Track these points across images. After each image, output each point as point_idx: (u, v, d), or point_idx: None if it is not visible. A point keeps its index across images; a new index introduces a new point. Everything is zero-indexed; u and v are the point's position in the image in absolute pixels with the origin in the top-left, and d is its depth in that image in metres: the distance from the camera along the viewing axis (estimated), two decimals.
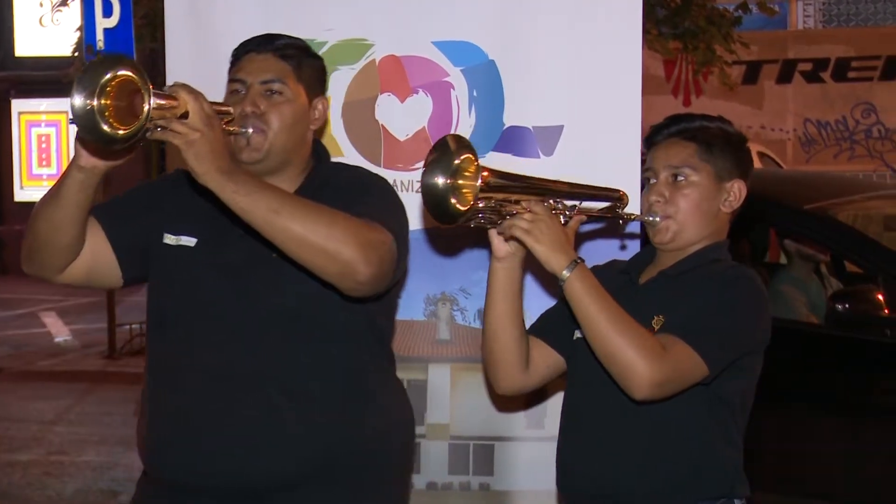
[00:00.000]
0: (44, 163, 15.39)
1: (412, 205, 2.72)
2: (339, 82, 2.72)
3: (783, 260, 4.76)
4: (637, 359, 1.86)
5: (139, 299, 5.06)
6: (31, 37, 14.66)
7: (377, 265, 1.99)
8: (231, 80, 2.13)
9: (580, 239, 2.40)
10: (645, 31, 2.97)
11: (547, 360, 2.15)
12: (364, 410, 2.13)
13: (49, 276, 2.11)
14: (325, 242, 1.92)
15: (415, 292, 2.73)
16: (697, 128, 2.07)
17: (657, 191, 2.05)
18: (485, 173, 1.86)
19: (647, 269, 2.13)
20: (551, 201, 1.97)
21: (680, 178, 2.04)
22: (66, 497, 5.40)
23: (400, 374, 2.78)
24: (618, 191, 2.13)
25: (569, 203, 2.00)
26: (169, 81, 2.80)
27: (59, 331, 10.14)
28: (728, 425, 2.03)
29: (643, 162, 2.15)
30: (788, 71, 12.68)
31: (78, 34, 8.65)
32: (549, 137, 2.70)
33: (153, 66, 9.95)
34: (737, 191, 2.07)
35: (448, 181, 1.91)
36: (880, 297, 3.87)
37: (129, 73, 1.76)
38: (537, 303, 2.43)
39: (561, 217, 1.97)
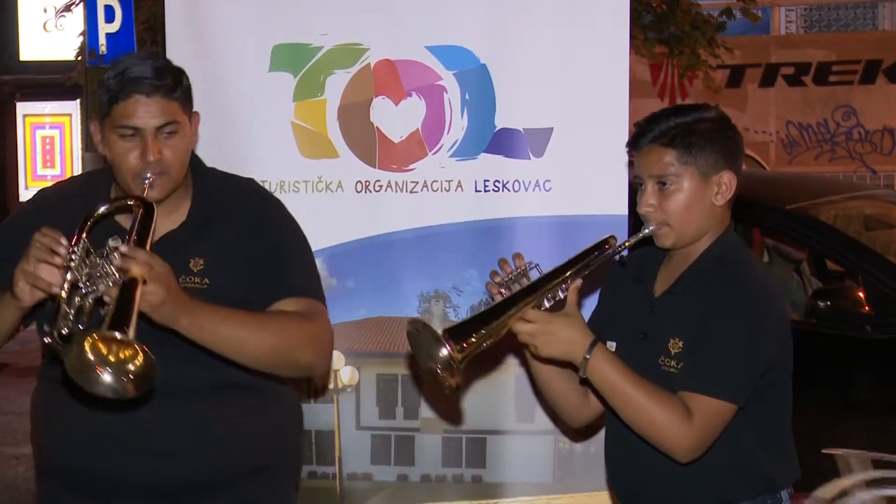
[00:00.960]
0: (48, 164, 15.39)
1: (405, 205, 2.80)
2: (334, 86, 2.79)
3: (765, 258, 4.84)
4: (670, 431, 1.92)
5: None
6: (36, 41, 14.67)
7: (328, 356, 2.17)
8: (120, 126, 2.04)
9: None
10: (632, 37, 3.04)
11: None
12: (273, 405, 2.20)
13: None
14: (287, 358, 2.07)
15: (409, 290, 2.79)
16: (674, 129, 2.03)
17: (646, 201, 2.04)
18: (453, 352, 1.85)
19: (663, 270, 2.11)
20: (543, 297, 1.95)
21: (666, 185, 2.03)
22: None
23: (394, 370, 2.86)
24: (604, 242, 2.06)
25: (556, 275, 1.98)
26: None
27: None
28: (765, 424, 2.04)
29: (631, 164, 2.14)
30: (771, 75, 12.80)
31: (81, 39, 8.69)
32: (539, 139, 2.77)
33: None
34: (727, 181, 2.04)
35: (433, 367, 1.90)
36: (861, 294, 3.95)
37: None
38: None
39: (559, 293, 1.96)
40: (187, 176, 2.16)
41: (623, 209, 2.71)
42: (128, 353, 1.79)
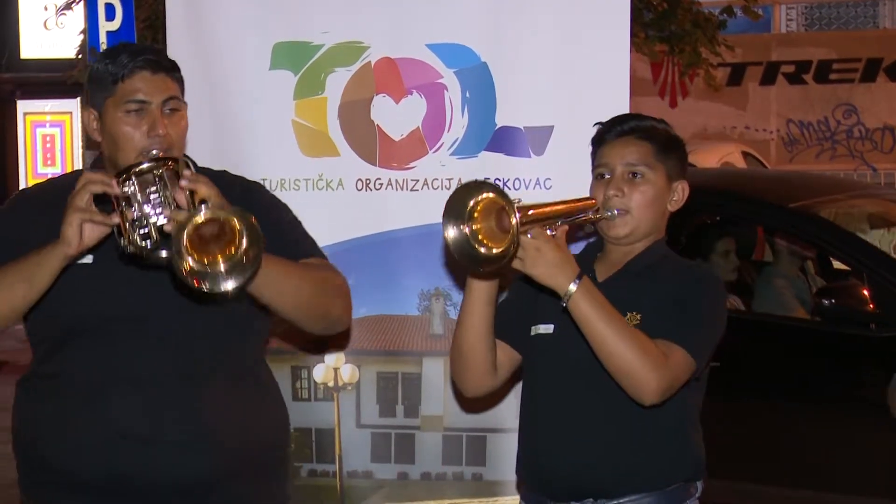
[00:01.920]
0: (48, 162, 15.44)
1: (406, 203, 2.80)
2: (335, 84, 2.79)
3: (768, 257, 4.84)
4: (645, 370, 1.93)
5: None
6: (36, 39, 14.71)
7: (350, 307, 2.15)
8: (129, 101, 2.06)
9: None
10: (632, 35, 3.04)
11: (511, 360, 2.18)
12: (267, 403, 2.21)
13: None
14: (323, 309, 2.08)
15: (409, 288, 2.80)
16: (650, 128, 2.12)
17: (615, 185, 2.08)
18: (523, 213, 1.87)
19: (599, 264, 2.16)
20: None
21: (637, 175, 2.08)
22: None
23: (394, 368, 2.85)
24: (591, 199, 2.13)
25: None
26: None
27: None
28: (693, 411, 2.12)
29: (593, 158, 2.17)
30: (772, 73, 12.81)
31: (81, 37, 8.70)
32: (539, 137, 2.77)
33: None
34: (681, 191, 2.14)
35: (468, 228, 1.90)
36: (865, 292, 3.96)
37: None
38: None
39: (548, 231, 1.98)
40: None
41: None
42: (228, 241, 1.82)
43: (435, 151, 2.79)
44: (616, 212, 2.08)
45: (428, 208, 2.77)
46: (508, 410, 2.79)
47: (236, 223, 1.83)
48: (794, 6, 14.20)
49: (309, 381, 2.81)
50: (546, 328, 2.11)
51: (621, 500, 2.06)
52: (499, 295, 2.11)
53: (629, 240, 2.11)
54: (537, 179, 2.77)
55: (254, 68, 2.80)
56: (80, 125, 14.26)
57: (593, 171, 2.15)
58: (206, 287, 1.84)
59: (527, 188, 2.77)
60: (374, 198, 2.79)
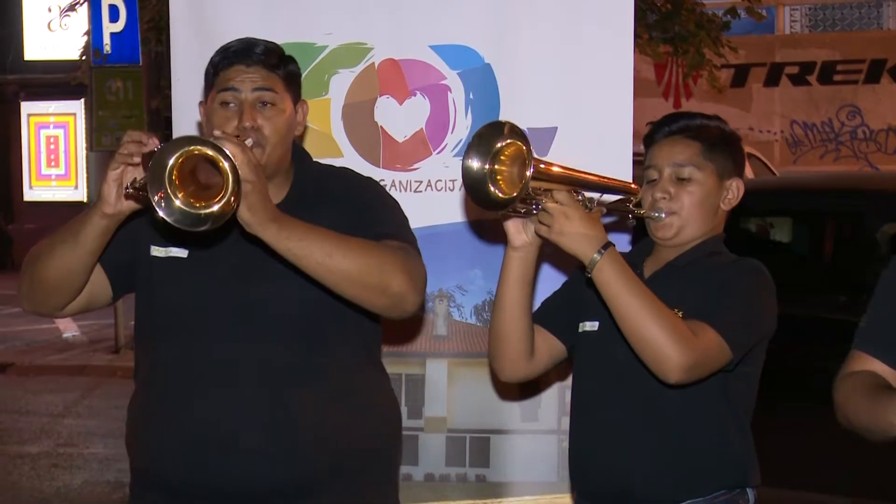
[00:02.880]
0: (52, 163, 15.50)
1: (410, 204, 2.79)
2: (339, 85, 2.79)
3: None
4: (669, 343, 1.86)
5: None
6: (40, 41, 14.76)
7: (421, 291, 2.05)
8: (221, 91, 2.08)
9: None
10: (636, 36, 3.04)
11: (551, 349, 2.15)
12: (362, 411, 2.15)
13: (52, 314, 2.13)
14: (378, 279, 1.96)
15: None
16: (699, 126, 2.08)
17: (662, 188, 2.05)
18: (539, 165, 1.87)
19: (649, 262, 2.13)
20: (574, 192, 1.95)
21: (684, 175, 2.05)
22: (74, 488, 5.47)
23: (398, 369, 2.84)
24: (631, 184, 2.14)
25: (588, 195, 1.99)
26: (174, 84, 2.88)
27: (67, 327, 10.20)
28: (740, 414, 2.05)
29: (641, 161, 2.15)
30: (775, 74, 12.81)
31: (85, 38, 8.73)
32: (543, 139, 2.76)
33: (158, 69, 10.00)
34: (735, 189, 2.09)
35: (490, 167, 1.91)
36: None
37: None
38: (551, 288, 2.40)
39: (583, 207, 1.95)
40: (290, 167, 2.16)
41: None
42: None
43: (438, 153, 2.79)
44: (663, 214, 2.05)
45: (431, 210, 2.78)
46: (511, 412, 2.79)
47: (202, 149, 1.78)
48: (797, 7, 14.19)
49: None
50: (592, 325, 2.08)
51: None
52: (537, 275, 2.09)
53: (677, 240, 2.07)
54: None
55: None
56: (83, 126, 14.31)
57: (644, 172, 2.13)
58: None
59: None
60: None
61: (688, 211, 2.05)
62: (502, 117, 2.76)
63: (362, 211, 2.12)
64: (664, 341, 1.87)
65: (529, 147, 1.87)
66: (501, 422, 2.80)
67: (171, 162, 1.78)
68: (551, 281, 2.40)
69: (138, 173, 1.88)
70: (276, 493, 2.05)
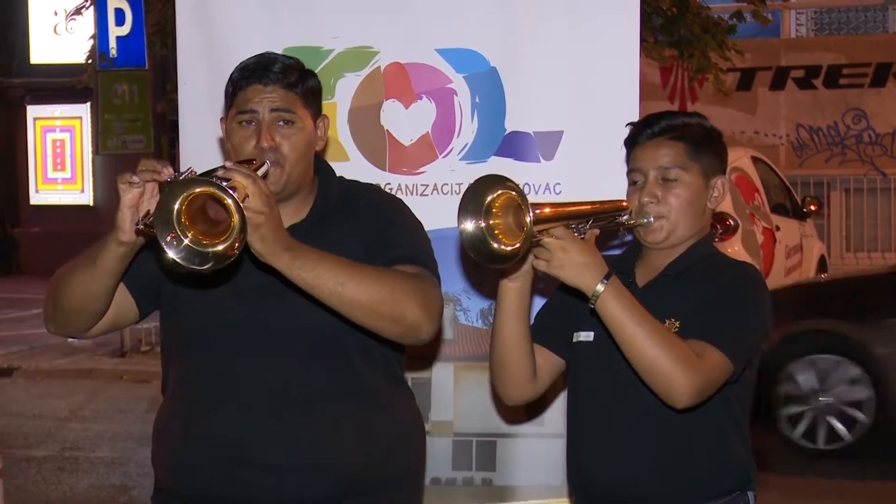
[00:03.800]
0: (58, 167, 15.52)
1: (415, 208, 2.78)
2: (345, 89, 2.79)
3: None
4: (676, 371, 1.86)
5: None
6: (46, 44, 14.81)
7: (437, 319, 2.03)
8: (239, 112, 2.07)
9: None
10: (642, 40, 3.05)
11: (552, 366, 2.15)
12: (387, 427, 2.14)
13: (78, 335, 2.13)
14: (391, 308, 1.95)
15: None
16: (682, 126, 2.06)
17: (649, 191, 2.04)
18: (538, 211, 1.85)
19: (639, 268, 2.12)
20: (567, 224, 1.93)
21: (670, 178, 2.04)
22: (80, 492, 5.47)
23: (405, 373, 2.85)
24: (622, 201, 2.12)
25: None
26: (181, 88, 2.88)
27: None
28: (739, 420, 2.04)
29: (626, 161, 2.14)
30: (781, 78, 12.80)
31: (91, 42, 8.75)
32: (549, 142, 2.76)
33: (164, 72, 10.05)
34: (720, 187, 2.08)
35: (485, 224, 1.89)
36: None
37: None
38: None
39: (576, 234, 1.94)
40: (314, 181, 2.15)
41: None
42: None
43: (445, 156, 2.79)
44: (652, 218, 2.04)
45: (438, 213, 2.77)
46: (518, 416, 2.79)
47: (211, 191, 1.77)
48: (803, 11, 14.19)
49: None
50: (587, 335, 2.07)
51: None
52: (532, 301, 2.08)
53: (667, 243, 2.06)
54: (547, 184, 2.77)
55: None
56: (89, 130, 14.33)
57: (627, 175, 2.11)
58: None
59: (536, 193, 2.77)
60: None
61: (676, 213, 2.04)
62: (508, 121, 2.77)
63: (382, 230, 2.11)
64: (671, 369, 1.87)
65: (522, 193, 1.85)
66: (508, 426, 2.79)
67: (176, 206, 1.77)
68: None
69: (153, 203, 1.87)
70: None
